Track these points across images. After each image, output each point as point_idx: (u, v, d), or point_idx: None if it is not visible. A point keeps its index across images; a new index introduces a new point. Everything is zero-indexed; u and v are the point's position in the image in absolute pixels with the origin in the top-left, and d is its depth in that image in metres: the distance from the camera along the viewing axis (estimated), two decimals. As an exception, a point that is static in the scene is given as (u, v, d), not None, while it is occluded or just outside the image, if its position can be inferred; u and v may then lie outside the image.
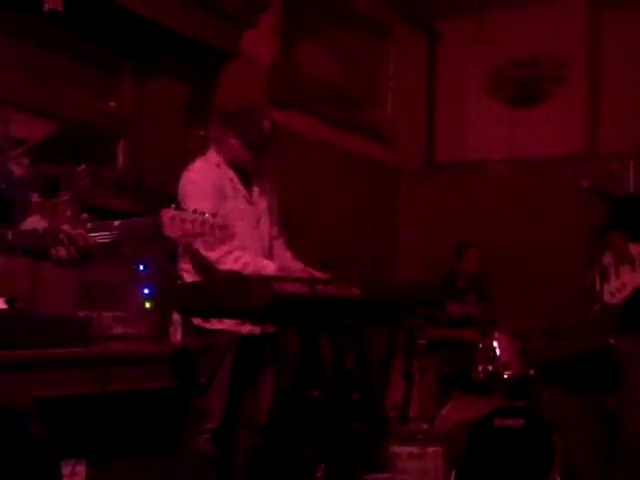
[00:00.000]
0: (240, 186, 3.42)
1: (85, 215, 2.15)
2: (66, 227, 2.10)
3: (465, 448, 3.97)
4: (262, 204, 3.50)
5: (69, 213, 3.44)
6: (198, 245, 3.18)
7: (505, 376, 4.37)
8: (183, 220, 2.10)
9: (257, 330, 3.30)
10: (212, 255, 3.22)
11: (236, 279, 2.97)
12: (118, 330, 3.51)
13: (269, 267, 3.24)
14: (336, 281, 3.11)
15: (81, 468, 3.12)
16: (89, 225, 2.12)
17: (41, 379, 2.94)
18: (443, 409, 4.34)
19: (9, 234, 2.08)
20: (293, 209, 3.80)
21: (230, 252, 3.20)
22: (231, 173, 3.41)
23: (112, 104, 3.92)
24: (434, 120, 6.30)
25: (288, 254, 3.60)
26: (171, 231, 2.10)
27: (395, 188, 6.22)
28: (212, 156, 3.44)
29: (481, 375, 4.39)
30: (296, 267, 3.43)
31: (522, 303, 5.20)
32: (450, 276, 5.19)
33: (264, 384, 3.46)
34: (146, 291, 3.64)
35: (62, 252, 2.13)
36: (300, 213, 4.44)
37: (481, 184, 5.90)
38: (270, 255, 3.50)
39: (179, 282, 3.29)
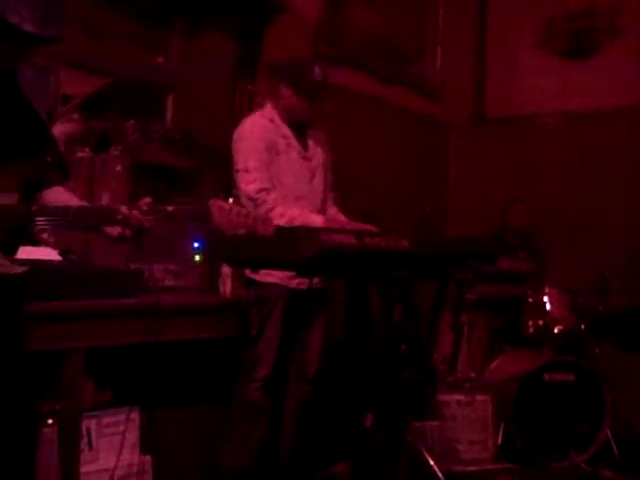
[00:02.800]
0: (294, 141, 3.46)
1: (148, 199, 2.22)
2: (124, 209, 2.17)
3: (514, 402, 4.00)
4: (317, 158, 3.54)
5: (119, 168, 3.54)
6: (245, 202, 3.24)
7: (555, 331, 4.37)
8: (230, 211, 2.14)
9: (305, 284, 3.35)
10: (258, 211, 3.26)
11: (285, 231, 3.06)
12: (169, 282, 3.58)
13: (317, 220, 3.28)
14: (385, 233, 3.21)
15: (135, 415, 3.24)
16: (145, 208, 2.19)
17: (96, 329, 3.03)
18: (492, 363, 4.37)
19: (71, 212, 2.15)
20: (340, 164, 3.81)
21: (274, 207, 3.25)
22: (285, 129, 3.45)
23: (161, 59, 3.97)
24: (484, 73, 6.24)
25: (333, 209, 3.64)
26: (219, 221, 2.14)
27: (444, 143, 6.19)
28: (266, 110, 3.48)
29: (531, 330, 4.41)
30: (344, 220, 3.47)
31: (574, 258, 5.18)
32: (500, 232, 5.19)
33: (313, 336, 3.53)
34: (196, 244, 3.70)
35: (115, 231, 2.22)
36: (347, 169, 4.38)
37: (532, 138, 5.85)
38: (324, 210, 3.54)
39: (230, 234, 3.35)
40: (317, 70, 3.36)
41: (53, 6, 2.03)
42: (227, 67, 4.16)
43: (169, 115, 3.99)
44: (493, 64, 6.20)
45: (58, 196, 2.28)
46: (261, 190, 3.30)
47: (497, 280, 4.58)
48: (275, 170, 3.38)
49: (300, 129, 3.50)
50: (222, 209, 2.13)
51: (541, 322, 4.40)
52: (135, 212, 2.17)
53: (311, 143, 3.53)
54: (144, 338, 3.05)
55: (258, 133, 3.37)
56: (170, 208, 2.20)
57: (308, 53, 4.61)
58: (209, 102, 4.02)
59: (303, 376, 3.53)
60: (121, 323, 3.12)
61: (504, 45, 6.13)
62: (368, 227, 3.32)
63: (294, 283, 3.35)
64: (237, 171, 3.34)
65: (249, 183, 3.30)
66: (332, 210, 3.63)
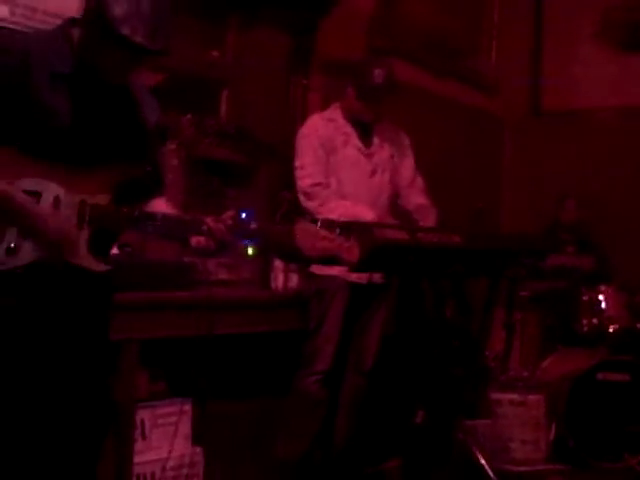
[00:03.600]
0: (355, 138, 3.49)
1: (232, 212, 2.27)
2: (210, 220, 2.22)
3: (566, 401, 3.97)
4: (382, 154, 3.55)
5: (175, 162, 3.60)
6: (300, 196, 3.33)
7: (610, 330, 4.34)
8: (314, 234, 2.16)
9: (365, 278, 3.39)
10: (309, 205, 3.35)
11: (339, 226, 3.08)
12: (222, 276, 3.62)
13: (367, 215, 3.30)
14: (438, 229, 3.26)
15: (188, 407, 3.28)
16: (230, 222, 2.24)
17: (150, 321, 3.07)
18: (545, 361, 4.34)
19: (159, 219, 2.22)
20: None
21: (325, 202, 3.31)
22: (347, 126, 3.49)
23: (216, 54, 4.01)
24: (540, 67, 6.18)
25: (420, 201, 3.63)
26: (302, 243, 2.17)
27: (499, 138, 6.15)
28: (330, 110, 3.54)
29: (585, 328, 4.38)
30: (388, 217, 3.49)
31: (630, 256, 5.11)
32: (553, 227, 5.14)
33: (371, 331, 3.56)
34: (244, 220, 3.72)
35: (200, 243, 2.26)
36: None
37: (589, 133, 5.78)
38: (388, 205, 3.56)
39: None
40: (377, 72, 3.38)
41: (161, 20, 2.10)
42: (281, 61, 4.19)
43: (224, 110, 4.02)
44: (549, 57, 6.15)
45: (159, 207, 2.34)
46: (314, 185, 3.37)
47: (550, 277, 4.55)
48: (332, 167, 3.44)
49: (365, 126, 3.53)
50: (306, 232, 2.17)
51: (596, 320, 4.37)
52: (220, 225, 2.22)
53: (377, 140, 3.55)
54: (197, 331, 3.09)
55: (314, 131, 3.44)
56: (254, 225, 2.26)
57: (362, 46, 4.60)
58: (263, 97, 4.04)
59: (359, 370, 3.57)
60: (175, 316, 3.16)
61: (561, 37, 6.07)
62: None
63: (353, 276, 3.37)
64: (295, 168, 3.43)
65: (303, 178, 3.39)
66: (418, 200, 3.63)
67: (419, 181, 3.70)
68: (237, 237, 2.27)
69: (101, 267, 2.22)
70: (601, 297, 4.40)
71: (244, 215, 3.67)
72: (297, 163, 3.42)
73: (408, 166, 3.67)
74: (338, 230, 2.18)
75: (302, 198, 3.36)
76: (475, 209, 4.40)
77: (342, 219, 3.01)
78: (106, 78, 2.18)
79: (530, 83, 6.20)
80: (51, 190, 2.15)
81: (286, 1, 4.08)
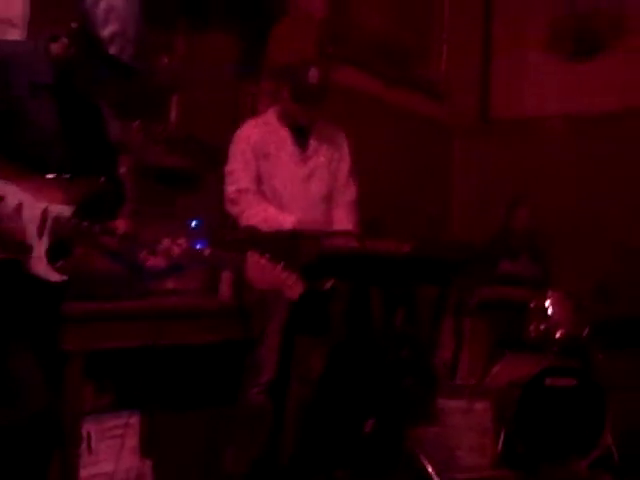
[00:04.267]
0: (290, 142, 3.45)
1: (184, 240, 2.28)
2: (167, 241, 2.25)
3: (515, 407, 3.99)
4: (319, 158, 3.51)
5: (123, 170, 3.55)
6: (226, 201, 3.33)
7: (557, 335, 4.36)
8: (264, 267, 2.19)
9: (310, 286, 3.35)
10: (233, 211, 3.34)
11: (285, 235, 3.07)
12: (171, 285, 3.59)
13: (287, 221, 3.28)
14: (387, 237, 3.22)
15: (135, 419, 3.25)
16: (186, 245, 2.26)
17: (96, 332, 3.04)
18: (493, 368, 4.36)
19: (115, 239, 2.25)
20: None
21: (248, 208, 3.30)
22: (283, 130, 3.45)
23: (165, 59, 3.95)
24: (489, 74, 6.22)
25: (342, 215, 3.55)
26: (252, 275, 2.20)
27: (448, 145, 6.15)
28: (265, 114, 3.52)
29: (533, 334, 4.39)
30: (315, 222, 3.43)
31: (577, 262, 5.15)
32: (503, 234, 5.15)
33: (317, 339, 3.52)
34: (198, 247, 3.70)
35: (151, 262, 2.29)
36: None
37: (538, 141, 5.82)
38: (326, 210, 3.51)
39: (229, 238, 3.36)
40: (313, 73, 3.34)
41: (144, 40, 2.20)
42: (231, 68, 4.17)
43: (173, 116, 4.00)
44: (499, 64, 6.19)
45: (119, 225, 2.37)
46: (239, 191, 3.35)
47: (499, 284, 4.59)
48: (266, 173, 3.41)
49: (302, 129, 3.49)
50: (257, 264, 2.19)
51: (543, 326, 4.38)
52: (176, 248, 2.24)
53: (313, 143, 3.51)
54: (145, 342, 3.07)
55: (245, 136, 3.41)
56: (207, 252, 2.28)
57: (313, 53, 4.60)
58: (213, 103, 4.02)
59: (306, 379, 3.53)
60: (121, 326, 3.14)
61: (510, 44, 6.11)
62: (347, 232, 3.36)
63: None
64: (224, 174, 3.42)
65: (230, 184, 3.38)
66: (340, 214, 3.56)
67: (350, 192, 3.60)
68: (190, 262, 2.29)
69: (57, 277, 2.23)
70: (548, 303, 4.42)
71: (194, 223, 3.73)
72: (227, 169, 3.41)
73: (343, 171, 3.60)
74: (282, 265, 2.21)
75: (227, 205, 3.35)
76: (426, 217, 4.43)
77: (262, 227, 3.14)
78: (86, 94, 2.27)
79: (479, 90, 6.23)
80: (15, 195, 2.16)
81: (236, 7, 4.07)
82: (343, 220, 3.54)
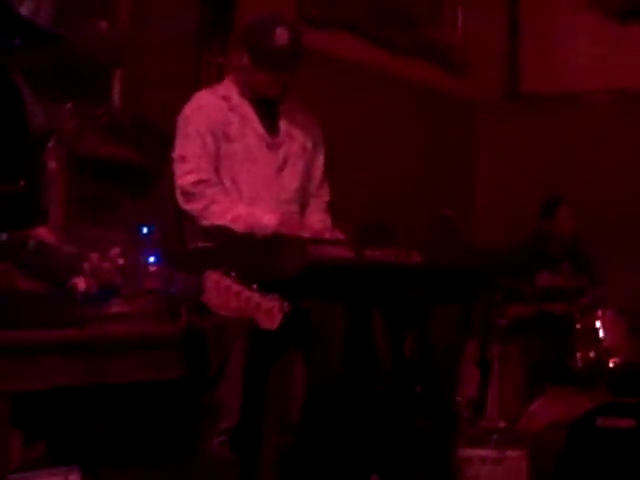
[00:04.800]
0: (256, 123, 3.41)
1: (117, 250, 2.26)
2: (95, 257, 2.22)
3: (559, 454, 3.98)
4: (292, 146, 3.47)
5: (54, 164, 3.51)
6: (179, 198, 3.28)
7: (611, 365, 4.39)
8: (228, 289, 2.19)
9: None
10: (192, 208, 3.27)
11: (263, 241, 3.09)
12: (117, 308, 3.43)
13: (269, 221, 3.24)
14: (392, 244, 3.25)
15: (75, 477, 3.16)
16: (121, 262, 2.24)
17: (23, 368, 2.95)
18: (531, 406, 4.34)
19: (28, 250, 2.26)
20: (335, 155, 3.76)
21: (213, 203, 3.24)
22: (246, 107, 3.40)
23: (104, 25, 3.93)
24: (518, 41, 6.29)
25: (318, 217, 3.55)
26: (210, 298, 2.22)
27: (468, 126, 6.22)
28: (223, 86, 3.47)
29: (580, 363, 4.42)
30: (316, 228, 3.43)
31: (631, 273, 5.20)
32: (538, 239, 5.15)
33: (294, 373, 3.46)
34: (152, 259, 3.64)
35: (81, 285, 2.28)
36: (344, 161, 4.44)
37: (578, 120, 5.87)
38: (299, 212, 3.49)
39: (191, 246, 3.32)
40: (280, 32, 3.29)
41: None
42: (190, 35, 4.16)
43: (116, 96, 3.97)
44: (529, 28, 6.26)
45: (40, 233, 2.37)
46: (198, 182, 3.28)
47: (536, 300, 4.54)
48: (225, 160, 3.35)
49: (269, 108, 3.44)
50: (218, 285, 2.21)
51: (592, 354, 4.41)
52: (107, 264, 2.22)
53: (284, 125, 3.46)
54: (83, 380, 3.02)
55: (202, 113, 3.35)
56: (153, 269, 2.34)
57: (292, 17, 4.54)
58: (168, 79, 4.01)
59: (283, 425, 3.47)
60: (56, 361, 3.05)
61: (542, 4, 6.18)
62: (343, 238, 3.33)
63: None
64: (174, 160, 3.35)
65: (184, 174, 3.30)
66: (316, 217, 3.54)
67: (325, 194, 3.59)
68: (130, 282, 2.29)
69: None
70: (598, 324, 4.44)
71: (145, 230, 3.67)
72: (177, 153, 3.34)
73: (318, 167, 3.58)
74: (256, 286, 2.22)
75: (182, 199, 3.28)
76: (441, 217, 4.37)
77: (235, 227, 3.13)
78: None
79: (505, 59, 6.29)
80: None
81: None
82: (319, 225, 3.49)
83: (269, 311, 2.21)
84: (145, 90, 3.99)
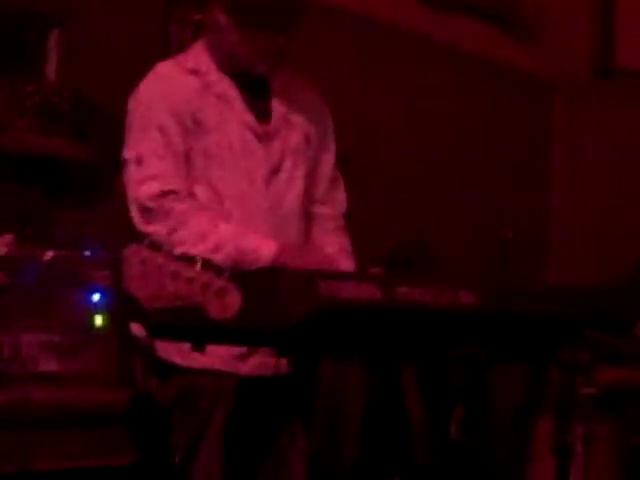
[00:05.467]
0: (241, 105, 3.36)
1: (10, 236, 2.19)
2: None
3: None
4: (291, 136, 3.42)
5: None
6: (135, 211, 3.23)
7: None
8: (161, 268, 2.11)
9: (270, 367, 3.22)
10: (153, 230, 3.21)
11: (256, 275, 2.92)
12: (48, 366, 3.62)
13: (265, 249, 3.19)
14: (435, 280, 3.02)
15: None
16: (4, 251, 2.17)
17: None
18: (630, 505, 4.41)
19: None
20: (355, 150, 3.76)
21: (183, 224, 3.20)
22: (226, 84, 3.36)
23: None
24: (611, 3, 6.37)
25: (334, 240, 3.53)
26: (134, 284, 2.13)
27: (544, 112, 6.32)
28: (192, 55, 3.41)
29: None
30: (329, 256, 3.39)
31: None
32: (642, 272, 5.19)
33: (294, 459, 3.44)
34: (96, 296, 3.63)
35: None
36: (369, 157, 4.49)
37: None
38: (302, 229, 3.47)
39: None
40: None
41: None
42: None
43: (52, 68, 4.00)
44: None
45: None
46: (162, 194, 3.24)
47: (638, 362, 4.48)
48: (200, 162, 3.30)
49: (258, 83, 3.40)
50: (146, 263, 2.11)
51: None
52: None
53: (279, 107, 3.41)
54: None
55: (164, 95, 3.30)
56: (49, 254, 2.16)
57: None
58: (124, 45, 4.05)
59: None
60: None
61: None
62: (375, 271, 3.38)
63: (247, 367, 3.24)
64: (124, 162, 3.30)
65: (142, 183, 3.24)
66: (327, 237, 3.52)
67: (339, 201, 3.56)
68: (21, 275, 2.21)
69: None
70: None
71: (87, 253, 3.67)
72: (130, 153, 3.28)
73: (327, 165, 3.55)
74: (200, 263, 2.16)
75: (139, 219, 3.20)
76: (503, 240, 4.47)
77: (217, 257, 3.01)
78: None
79: (595, 27, 6.39)
80: None
81: None
82: (331, 249, 3.48)
83: (221, 293, 2.14)
84: (92, 60, 4.02)
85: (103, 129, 3.86)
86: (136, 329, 3.37)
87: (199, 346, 3.19)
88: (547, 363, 3.81)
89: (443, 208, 5.21)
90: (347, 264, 3.42)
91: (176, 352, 3.24)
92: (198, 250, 3.04)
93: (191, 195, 3.30)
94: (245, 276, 2.47)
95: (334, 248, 3.47)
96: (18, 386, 3.31)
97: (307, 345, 3.01)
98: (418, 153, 5.16)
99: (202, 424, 3.23)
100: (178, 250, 3.12)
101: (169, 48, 4.15)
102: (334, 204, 3.54)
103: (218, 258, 3.04)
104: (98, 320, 3.62)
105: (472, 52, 5.59)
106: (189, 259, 2.17)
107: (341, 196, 3.55)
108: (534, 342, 3.31)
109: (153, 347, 3.33)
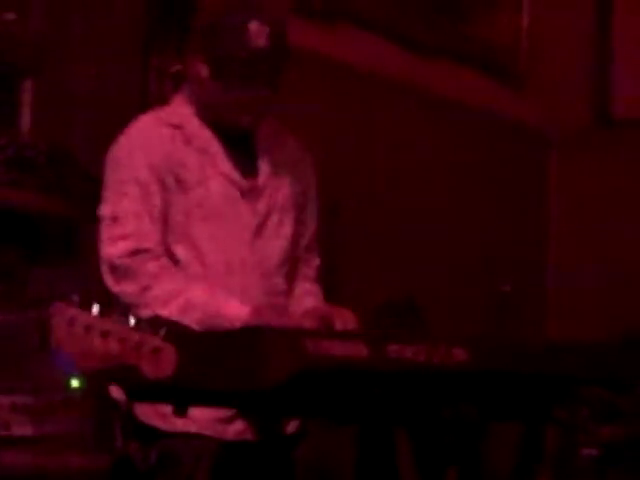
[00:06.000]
0: (226, 161, 3.35)
1: None
2: None
3: None
4: (277, 192, 3.42)
5: None
6: (105, 270, 3.23)
7: None
8: (89, 329, 2.05)
9: (252, 432, 3.24)
10: (122, 291, 3.20)
11: (233, 332, 2.88)
12: (21, 430, 3.56)
13: (238, 312, 3.16)
14: (425, 337, 3.09)
15: None
16: None
17: None
18: None
19: None
20: (343, 202, 3.82)
21: (154, 284, 3.16)
22: (209, 138, 3.35)
23: (11, 17, 3.95)
24: (608, 46, 6.37)
25: (306, 288, 3.52)
26: (66, 347, 2.08)
27: (540, 162, 6.31)
28: (173, 108, 3.41)
29: None
30: (309, 309, 3.37)
31: None
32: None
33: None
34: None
35: None
36: (357, 209, 4.52)
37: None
38: (282, 286, 3.43)
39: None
40: (255, 28, 3.22)
41: None
42: (133, 32, 4.24)
43: (25, 120, 4.02)
44: (624, 28, 6.36)
45: None
46: (134, 252, 3.22)
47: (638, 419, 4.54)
48: (180, 220, 3.29)
49: (243, 137, 3.40)
50: (73, 323, 2.04)
51: None
52: None
53: (265, 162, 3.40)
54: None
55: (143, 150, 3.28)
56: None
57: (285, 8, 4.57)
58: (101, 96, 4.08)
59: None
60: None
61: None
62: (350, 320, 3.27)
63: (231, 431, 3.22)
64: (101, 219, 3.30)
65: (115, 241, 3.24)
66: (303, 288, 3.51)
67: (315, 256, 3.59)
68: None
69: None
70: None
71: None
72: (106, 210, 3.28)
73: (311, 220, 3.55)
74: (132, 321, 2.11)
75: (110, 278, 3.20)
76: (498, 294, 4.45)
77: (186, 319, 3.05)
78: None
79: (591, 73, 6.37)
80: None
81: None
82: (310, 300, 3.46)
83: (157, 352, 2.09)
84: (68, 111, 4.03)
85: (79, 183, 3.83)
86: (115, 392, 3.37)
87: (180, 410, 3.16)
88: (544, 422, 3.77)
89: (436, 261, 5.20)
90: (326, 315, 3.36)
91: (157, 416, 3.20)
92: (168, 311, 3.06)
93: (167, 254, 3.25)
94: (186, 335, 2.51)
95: (311, 301, 3.44)
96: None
97: (293, 406, 2.97)
98: (410, 204, 5.17)
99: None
100: (148, 311, 3.15)
101: (147, 99, 4.14)
102: (311, 259, 3.55)
103: (189, 320, 3.07)
104: (74, 382, 3.51)
105: (465, 102, 5.60)
106: (119, 318, 2.11)
107: (316, 250, 3.58)
108: (530, 400, 3.30)
109: (132, 411, 3.27)
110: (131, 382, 2.83)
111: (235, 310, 3.17)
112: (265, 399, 2.79)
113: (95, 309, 2.06)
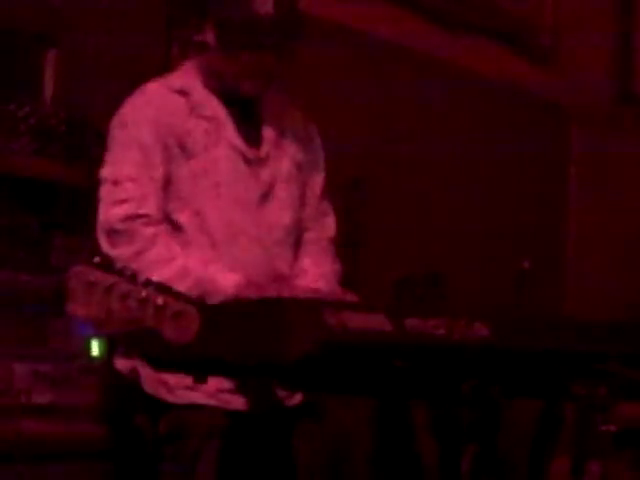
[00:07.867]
0: (231, 129, 3.36)
1: None
2: None
3: None
4: (282, 162, 3.43)
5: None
6: (101, 233, 3.24)
7: None
8: (109, 290, 2.08)
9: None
10: (118, 254, 3.18)
11: (250, 302, 2.91)
12: (39, 399, 3.62)
13: (227, 279, 3.18)
14: (447, 312, 3.04)
15: None
16: None
17: None
18: None
19: None
20: (365, 177, 3.83)
21: (150, 247, 3.18)
22: (215, 105, 3.36)
23: None
24: (633, 23, 6.40)
25: (316, 264, 3.50)
26: (84, 309, 2.09)
27: (560, 140, 6.31)
28: (179, 75, 3.42)
29: None
30: (308, 287, 3.37)
31: None
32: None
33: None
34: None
35: None
36: (379, 184, 4.50)
37: None
38: (287, 258, 3.45)
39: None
40: None
41: None
42: (157, 2, 4.27)
43: (48, 89, 4.04)
44: None
45: None
46: (132, 217, 3.23)
47: None
48: (185, 188, 3.30)
49: (248, 106, 3.40)
50: (92, 286, 2.07)
51: None
52: None
53: (270, 131, 3.41)
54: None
55: (148, 117, 3.29)
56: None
57: None
58: (123, 64, 4.10)
59: None
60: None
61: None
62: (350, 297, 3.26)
63: (240, 401, 3.22)
64: (102, 182, 3.31)
65: (113, 205, 3.25)
66: (307, 263, 3.49)
67: (328, 225, 3.57)
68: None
69: None
70: None
71: None
72: (106, 172, 3.30)
73: (316, 188, 3.55)
74: (152, 283, 2.15)
75: (106, 241, 3.21)
76: (518, 271, 4.39)
77: (179, 285, 2.92)
78: None
79: (616, 50, 6.41)
80: None
81: None
82: (321, 275, 3.46)
83: (178, 316, 2.13)
84: (91, 82, 4.03)
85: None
86: (120, 364, 3.35)
87: (201, 378, 3.20)
88: (562, 399, 3.79)
89: (457, 237, 5.24)
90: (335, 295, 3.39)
91: (163, 388, 3.23)
92: (162, 275, 3.01)
93: (170, 221, 3.28)
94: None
95: (314, 273, 3.45)
96: (5, 419, 3.33)
97: (311, 378, 2.97)
98: (432, 179, 5.20)
99: (193, 461, 3.21)
100: (141, 275, 3.19)
101: (170, 69, 3.99)
102: (322, 228, 3.53)
103: (182, 286, 2.99)
104: (95, 349, 3.59)
105: (489, 76, 5.62)
106: (138, 282, 2.14)
107: (329, 220, 3.55)
108: (549, 377, 3.29)
109: (139, 382, 3.29)
110: (150, 347, 2.91)
111: (228, 282, 3.18)
112: (285, 371, 2.79)
113: (114, 269, 2.09)
